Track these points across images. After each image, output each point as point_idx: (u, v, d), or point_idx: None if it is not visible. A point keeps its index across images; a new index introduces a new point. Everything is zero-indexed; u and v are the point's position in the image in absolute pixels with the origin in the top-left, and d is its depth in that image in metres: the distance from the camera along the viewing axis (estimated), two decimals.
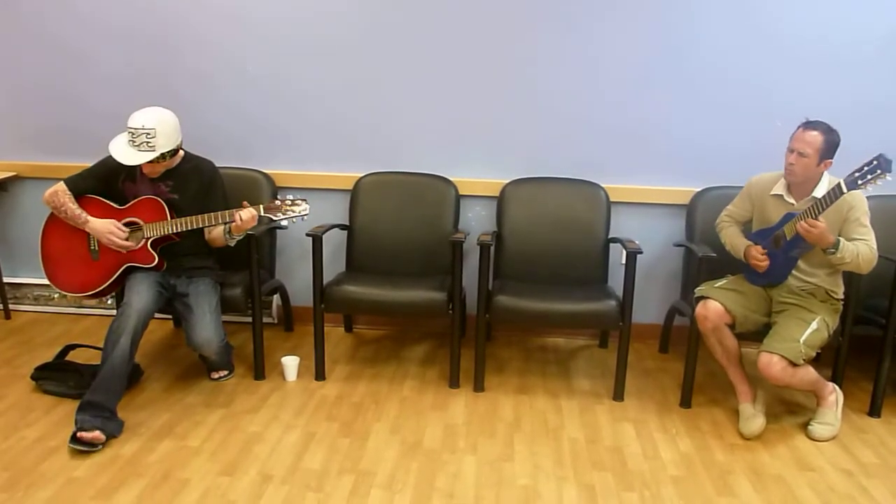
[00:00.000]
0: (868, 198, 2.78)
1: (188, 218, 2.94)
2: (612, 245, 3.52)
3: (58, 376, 3.08)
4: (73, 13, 3.62)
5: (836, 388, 3.00)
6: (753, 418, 2.89)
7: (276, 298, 3.92)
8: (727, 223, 3.16)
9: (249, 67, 3.62)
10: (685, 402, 3.12)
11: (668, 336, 3.71)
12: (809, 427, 2.92)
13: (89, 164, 3.10)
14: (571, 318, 3.15)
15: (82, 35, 3.65)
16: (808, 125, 2.78)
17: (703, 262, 3.05)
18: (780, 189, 2.92)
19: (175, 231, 2.96)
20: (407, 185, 3.62)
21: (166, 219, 2.96)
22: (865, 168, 2.56)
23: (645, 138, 3.56)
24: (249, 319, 3.29)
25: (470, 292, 3.48)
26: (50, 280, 3.08)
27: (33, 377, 3.11)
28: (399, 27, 3.52)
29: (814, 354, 2.78)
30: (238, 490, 2.42)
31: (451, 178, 3.61)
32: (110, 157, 3.05)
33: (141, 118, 2.83)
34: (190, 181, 3.05)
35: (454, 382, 3.24)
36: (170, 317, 3.81)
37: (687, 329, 3.11)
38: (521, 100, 3.57)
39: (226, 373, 3.26)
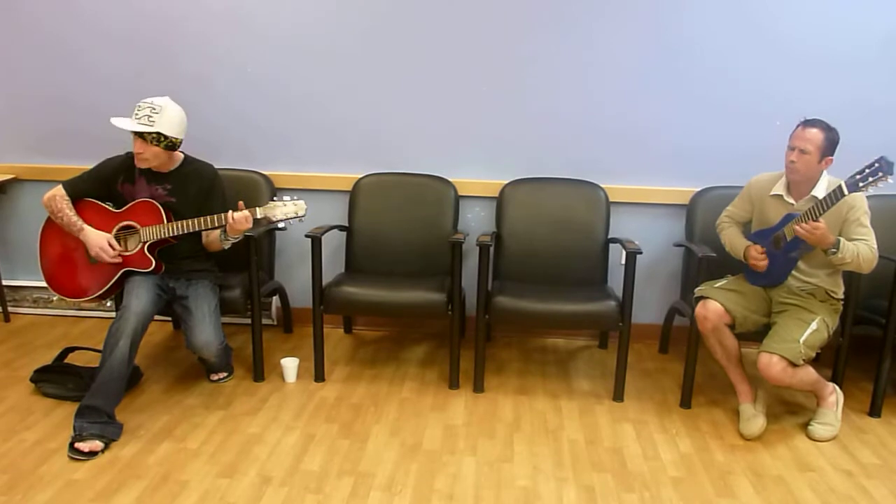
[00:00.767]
0: (867, 197, 2.77)
1: (184, 221, 2.93)
2: (611, 245, 3.52)
3: (57, 379, 3.07)
4: (72, 16, 3.62)
5: (837, 388, 2.99)
6: (754, 419, 2.89)
7: (275, 300, 3.91)
8: (727, 224, 3.15)
9: (249, 69, 3.62)
10: (685, 403, 3.12)
11: (667, 336, 3.71)
12: (809, 427, 2.91)
13: (88, 166, 3.10)
14: (571, 318, 3.14)
15: (81, 38, 3.65)
16: (808, 123, 2.78)
17: (702, 263, 3.04)
18: (779, 189, 2.92)
19: (171, 234, 2.95)
20: (406, 186, 3.62)
21: (163, 222, 2.95)
22: (867, 170, 2.55)
23: (644, 138, 3.56)
24: (249, 321, 3.29)
25: (469, 293, 3.48)
26: (49, 284, 3.07)
27: (32, 379, 3.11)
28: (398, 29, 3.52)
29: (813, 355, 2.78)
30: (237, 492, 2.42)
31: (450, 179, 3.61)
32: (108, 160, 3.07)
33: (152, 97, 2.87)
34: (189, 184, 3.04)
35: (454, 383, 3.24)
36: (169, 319, 3.81)
37: (687, 329, 3.11)
38: (520, 100, 3.56)
39: (225, 374, 3.26)
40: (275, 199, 2.95)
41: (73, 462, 2.56)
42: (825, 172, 2.84)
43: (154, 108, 2.84)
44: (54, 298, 4.00)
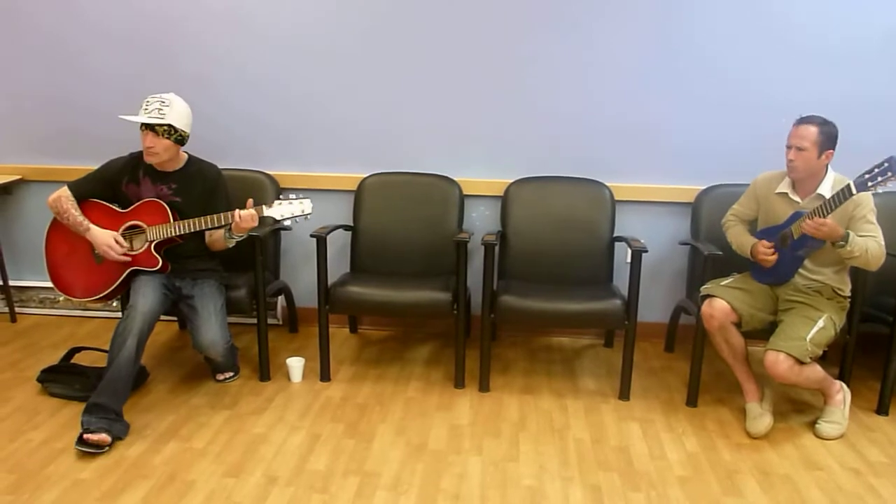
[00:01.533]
0: (874, 194, 2.76)
1: (191, 220, 2.94)
2: (616, 244, 3.51)
3: (63, 379, 3.08)
4: (73, 17, 3.62)
5: (844, 386, 2.98)
6: (760, 417, 2.88)
7: (280, 300, 3.92)
8: (733, 222, 3.15)
9: (249, 68, 3.62)
10: (691, 402, 3.11)
11: (673, 335, 3.70)
12: (817, 426, 2.90)
13: (93, 166, 3.11)
14: (577, 317, 3.13)
15: (83, 39, 3.65)
16: (802, 120, 2.78)
17: (708, 261, 3.04)
18: (784, 187, 2.91)
19: (178, 233, 2.96)
20: (411, 186, 3.62)
21: (169, 221, 2.96)
22: (876, 170, 2.54)
23: (649, 137, 3.55)
24: (254, 321, 3.29)
25: (474, 292, 3.47)
26: (55, 285, 3.08)
27: (39, 380, 3.12)
28: (402, 29, 3.52)
29: (820, 353, 2.77)
30: (243, 491, 2.42)
31: (454, 178, 3.60)
32: (112, 161, 3.08)
33: (160, 93, 2.92)
34: (193, 184, 3.05)
35: (459, 383, 3.23)
36: (175, 319, 3.82)
37: (693, 328, 3.10)
38: (525, 99, 3.56)
39: (231, 374, 3.26)
40: (280, 197, 2.96)
41: (79, 462, 2.57)
42: (830, 168, 2.83)
43: (164, 102, 2.88)
44: (60, 299, 4.01)
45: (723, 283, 3.00)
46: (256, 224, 2.93)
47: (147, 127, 2.86)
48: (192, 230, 2.94)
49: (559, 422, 2.96)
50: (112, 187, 3.05)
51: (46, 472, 2.51)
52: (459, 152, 3.66)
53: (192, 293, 3.04)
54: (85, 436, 2.60)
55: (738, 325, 2.91)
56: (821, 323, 2.78)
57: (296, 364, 3.26)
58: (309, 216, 2.96)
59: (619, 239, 3.46)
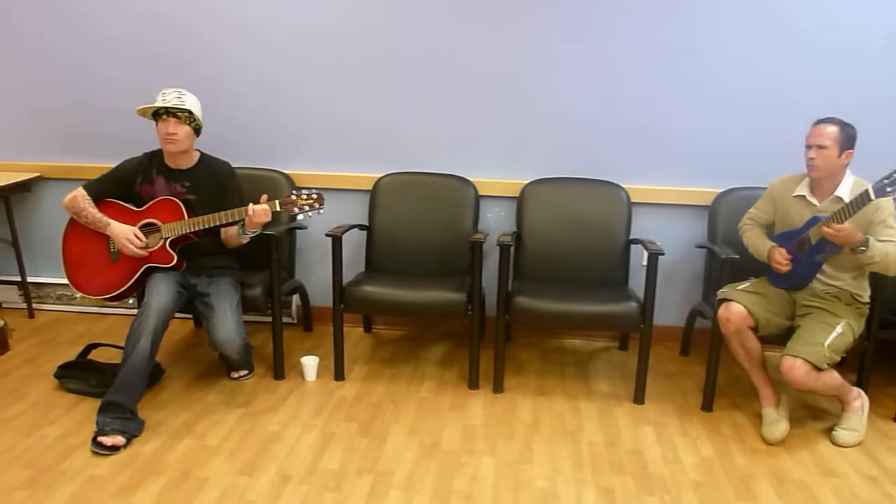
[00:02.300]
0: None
1: (205, 217, 2.95)
2: (632, 246, 3.49)
3: (80, 375, 3.11)
4: (83, 28, 3.65)
5: (862, 392, 2.95)
6: (777, 423, 2.85)
7: (295, 298, 3.93)
8: (750, 226, 3.12)
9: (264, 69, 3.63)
10: (707, 406, 3.09)
11: (689, 339, 3.68)
12: (834, 432, 2.87)
13: (110, 164, 3.13)
14: (592, 319, 3.12)
15: (100, 49, 3.67)
16: (822, 120, 2.77)
17: (725, 264, 3.01)
18: (802, 190, 2.88)
19: (192, 230, 2.97)
20: (426, 186, 3.61)
21: (183, 218, 2.98)
22: (894, 175, 2.52)
23: (666, 139, 3.53)
24: (269, 319, 3.30)
25: (489, 293, 3.47)
26: (72, 283, 3.10)
27: (56, 375, 3.14)
28: (419, 29, 3.51)
29: (838, 359, 2.74)
30: (256, 490, 2.43)
31: (470, 179, 3.60)
32: (126, 161, 3.11)
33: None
34: (206, 181, 3.07)
35: (473, 383, 3.23)
36: (190, 316, 3.84)
37: (709, 332, 3.07)
38: (541, 100, 3.54)
39: (245, 372, 3.28)
40: (294, 192, 2.97)
41: (94, 457, 2.59)
42: (849, 171, 2.80)
43: (181, 91, 2.96)
44: (77, 295, 4.04)
45: (740, 288, 2.98)
46: (270, 219, 2.95)
47: (168, 114, 2.88)
48: (207, 227, 2.96)
49: (573, 424, 2.95)
50: (126, 187, 3.07)
51: (62, 467, 2.52)
52: (475, 152, 3.66)
53: (209, 290, 3.05)
54: (99, 438, 2.62)
55: (755, 329, 2.89)
56: (839, 329, 2.75)
57: (310, 363, 3.27)
58: (321, 211, 2.97)
59: (635, 241, 3.45)
